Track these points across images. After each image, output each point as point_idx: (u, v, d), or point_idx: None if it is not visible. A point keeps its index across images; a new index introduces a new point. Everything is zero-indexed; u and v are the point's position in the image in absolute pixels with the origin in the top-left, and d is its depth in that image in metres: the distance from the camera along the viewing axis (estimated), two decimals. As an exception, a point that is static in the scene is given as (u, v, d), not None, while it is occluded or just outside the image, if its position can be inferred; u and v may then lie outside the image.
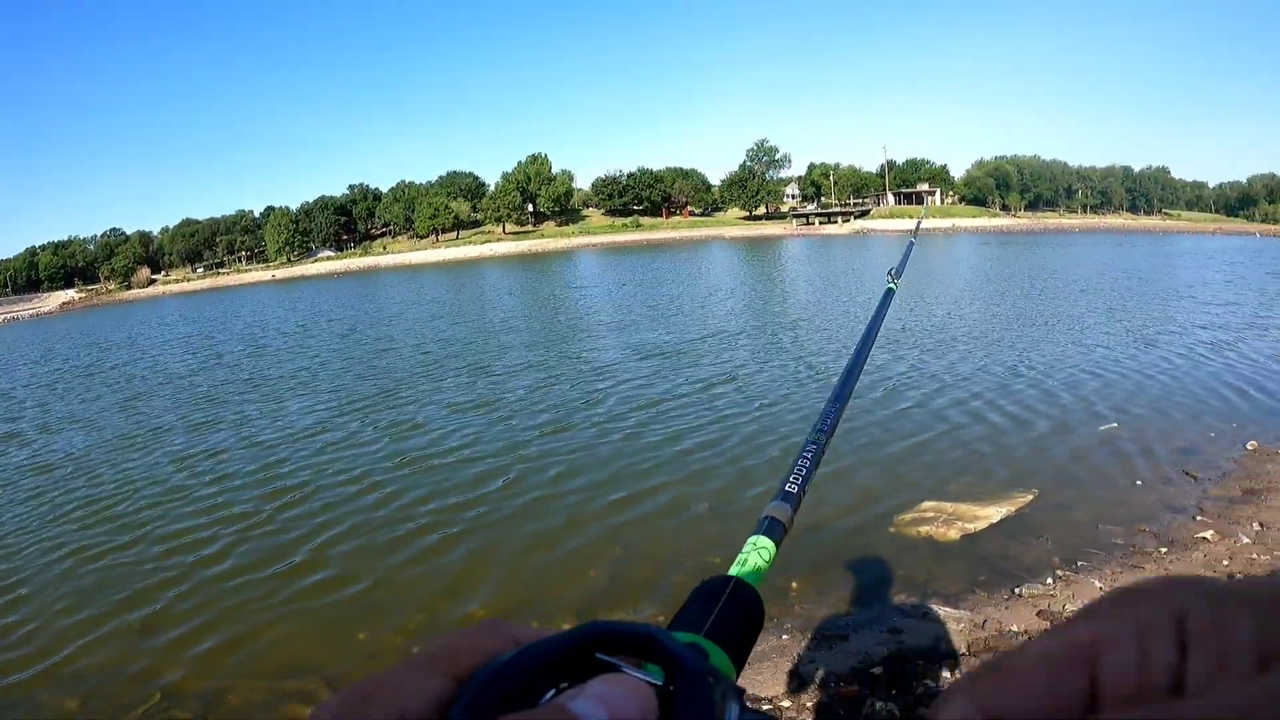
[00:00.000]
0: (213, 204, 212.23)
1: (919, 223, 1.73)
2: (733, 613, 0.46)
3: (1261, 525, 4.89)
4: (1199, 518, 5.14)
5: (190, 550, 5.94)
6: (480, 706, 0.25)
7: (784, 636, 4.00)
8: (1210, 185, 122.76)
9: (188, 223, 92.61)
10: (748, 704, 0.30)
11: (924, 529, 5.18)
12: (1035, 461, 6.48)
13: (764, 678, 3.57)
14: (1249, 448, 6.50)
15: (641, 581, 4.77)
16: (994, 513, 5.35)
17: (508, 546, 5.44)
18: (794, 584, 4.54)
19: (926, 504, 5.58)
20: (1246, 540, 4.67)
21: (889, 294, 1.44)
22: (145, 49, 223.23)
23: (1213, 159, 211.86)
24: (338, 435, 8.96)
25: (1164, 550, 4.71)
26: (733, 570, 0.55)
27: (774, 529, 0.61)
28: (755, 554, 0.57)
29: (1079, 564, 4.60)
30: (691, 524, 5.56)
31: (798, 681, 3.52)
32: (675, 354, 12.16)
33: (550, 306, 21.91)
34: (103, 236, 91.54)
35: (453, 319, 20.26)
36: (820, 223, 78.82)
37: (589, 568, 5.02)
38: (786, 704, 3.36)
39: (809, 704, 3.33)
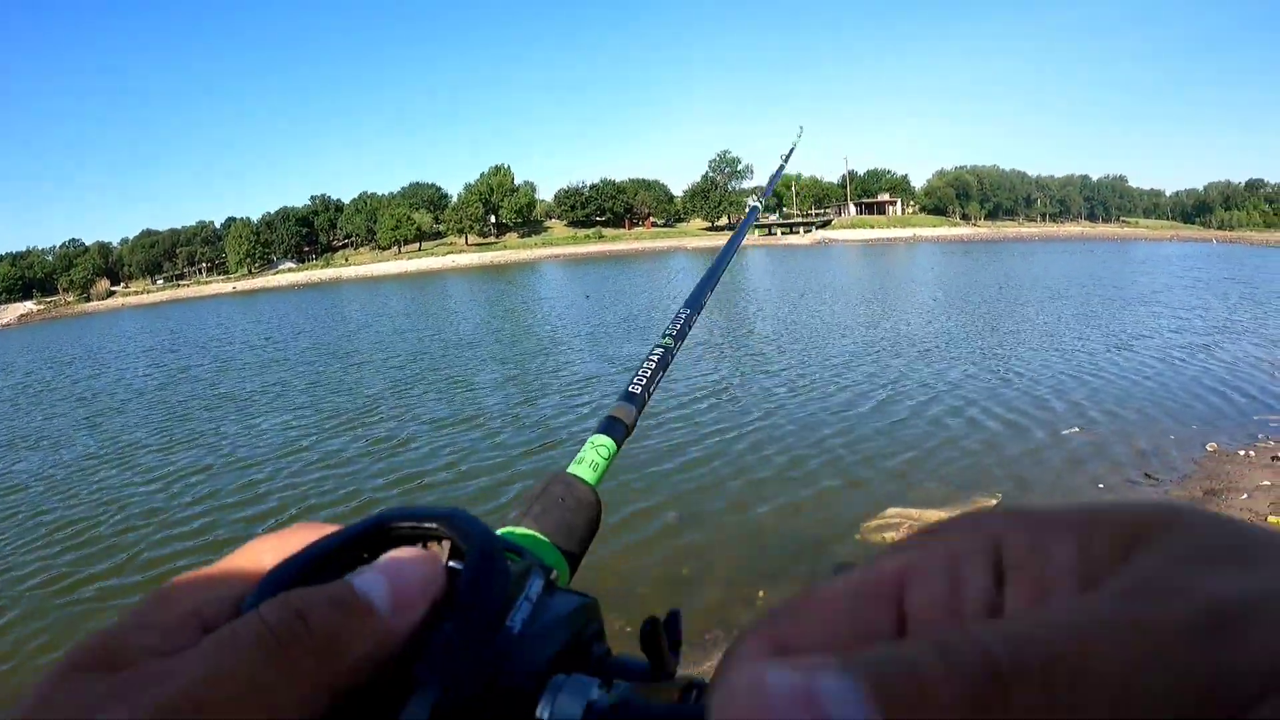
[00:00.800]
0: (173, 215, 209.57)
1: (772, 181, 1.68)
2: (566, 508, 0.45)
3: None
4: None
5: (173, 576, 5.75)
6: (269, 593, 0.24)
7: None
8: (1167, 193, 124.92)
9: (148, 234, 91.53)
10: (559, 585, 0.29)
11: (889, 535, 5.22)
12: (998, 466, 6.51)
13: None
14: (1208, 449, 6.65)
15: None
16: None
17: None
18: (761, 592, 4.56)
19: (891, 510, 5.63)
20: (1209, 541, 4.95)
21: (754, 211, 1.41)
22: (104, 56, 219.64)
23: (1169, 167, 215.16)
24: (319, 453, 8.53)
25: (1127, 553, 4.96)
26: (570, 468, 0.54)
27: (615, 428, 0.61)
28: (593, 451, 0.57)
29: (1042, 569, 4.82)
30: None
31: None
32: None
33: (520, 319, 21.60)
34: (61, 247, 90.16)
35: (423, 332, 19.84)
36: (782, 233, 79.58)
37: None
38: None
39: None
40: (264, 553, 0.28)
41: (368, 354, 16.16)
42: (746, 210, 1.41)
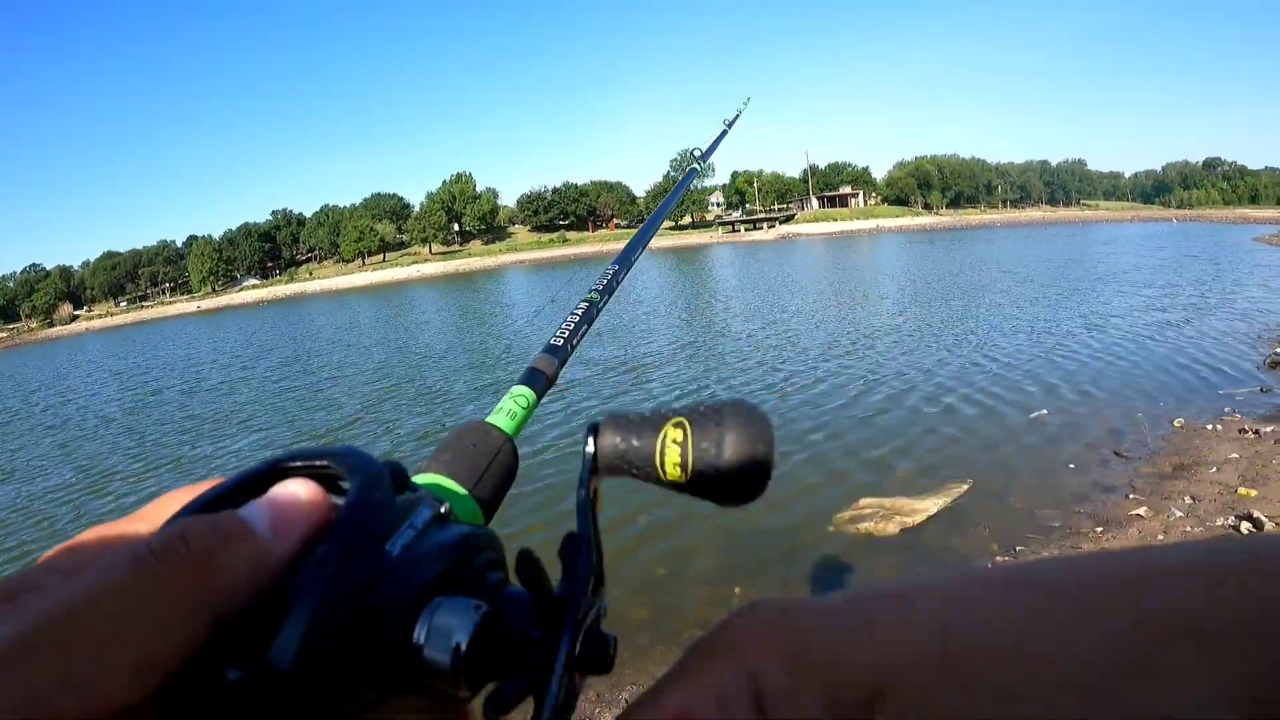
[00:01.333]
0: (134, 235, 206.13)
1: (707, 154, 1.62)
2: (478, 453, 0.46)
3: (1192, 499, 5.02)
4: (1132, 496, 5.25)
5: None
6: None
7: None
8: (1126, 175, 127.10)
9: (109, 255, 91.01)
10: (453, 518, 0.30)
11: (863, 525, 5.19)
12: (968, 452, 6.52)
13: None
14: (1176, 425, 6.68)
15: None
16: (931, 505, 5.37)
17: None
18: (736, 589, 4.54)
19: (865, 500, 5.61)
20: (1179, 514, 4.81)
21: (692, 173, 1.43)
22: (56, 75, 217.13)
23: (1128, 149, 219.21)
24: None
25: (1100, 530, 4.80)
26: (490, 418, 0.54)
27: (535, 379, 0.62)
28: (512, 401, 0.57)
29: (1018, 549, 4.64)
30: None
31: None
32: (635, 368, 11.75)
33: (492, 326, 21.35)
34: (22, 273, 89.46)
35: (394, 344, 19.51)
36: (746, 229, 79.88)
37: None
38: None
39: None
40: (170, 504, 0.28)
41: (339, 369, 15.93)
42: (686, 171, 1.40)
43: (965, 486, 5.68)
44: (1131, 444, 6.35)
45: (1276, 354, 8.80)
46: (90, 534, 0.27)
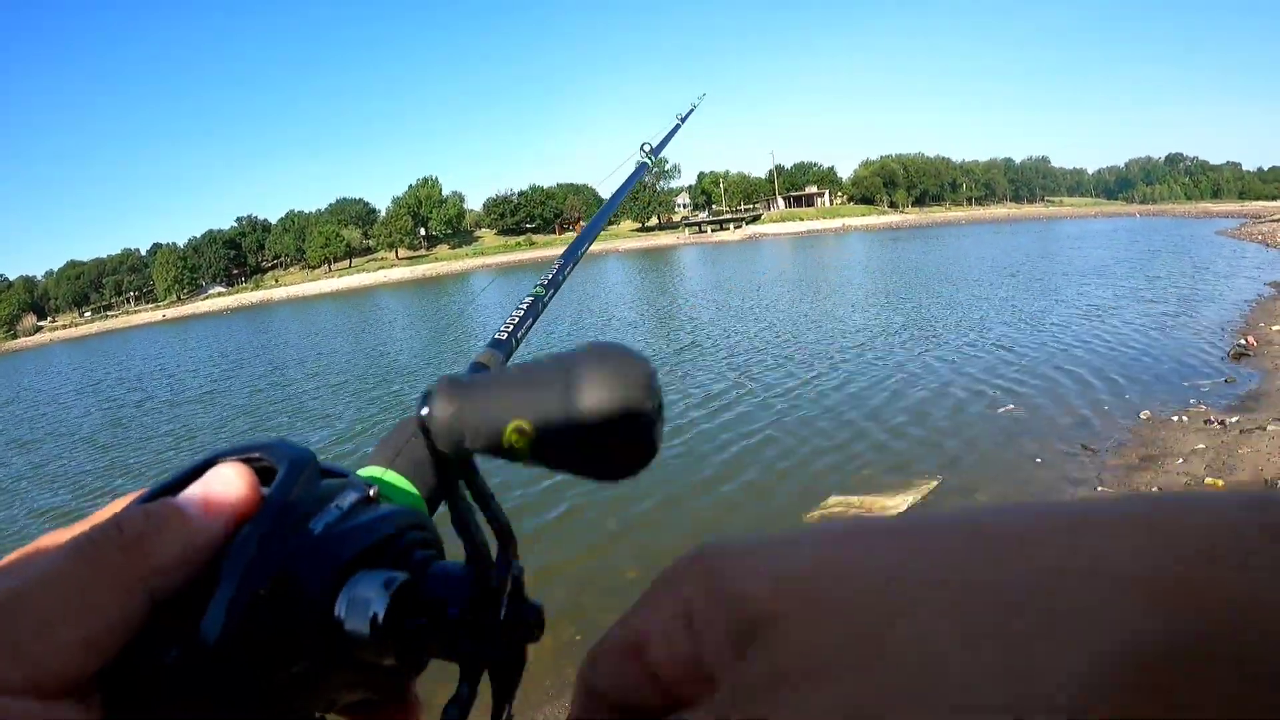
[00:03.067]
0: (97, 244, 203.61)
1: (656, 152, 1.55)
2: (418, 446, 0.46)
3: (1160, 490, 4.88)
4: (1099, 488, 5.26)
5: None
6: None
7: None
8: (1090, 171, 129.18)
9: (73, 265, 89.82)
10: (380, 500, 0.30)
11: None
12: (936, 448, 6.49)
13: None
14: (1142, 417, 6.70)
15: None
16: (900, 502, 5.34)
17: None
18: None
19: (833, 499, 5.53)
20: (1147, 506, 5.09)
21: (641, 167, 1.40)
22: (13, 80, 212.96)
23: (1091, 146, 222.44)
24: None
25: (1068, 523, 5.08)
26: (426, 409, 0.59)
27: (478, 372, 0.63)
28: None
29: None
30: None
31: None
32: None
33: (460, 329, 20.83)
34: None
35: (367, 350, 19.18)
36: (713, 230, 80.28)
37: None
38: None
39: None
40: (122, 504, 0.29)
41: (319, 376, 15.63)
42: (635, 166, 1.35)
43: (934, 483, 5.68)
44: (1098, 437, 6.37)
45: (1240, 345, 8.95)
46: (44, 539, 0.28)
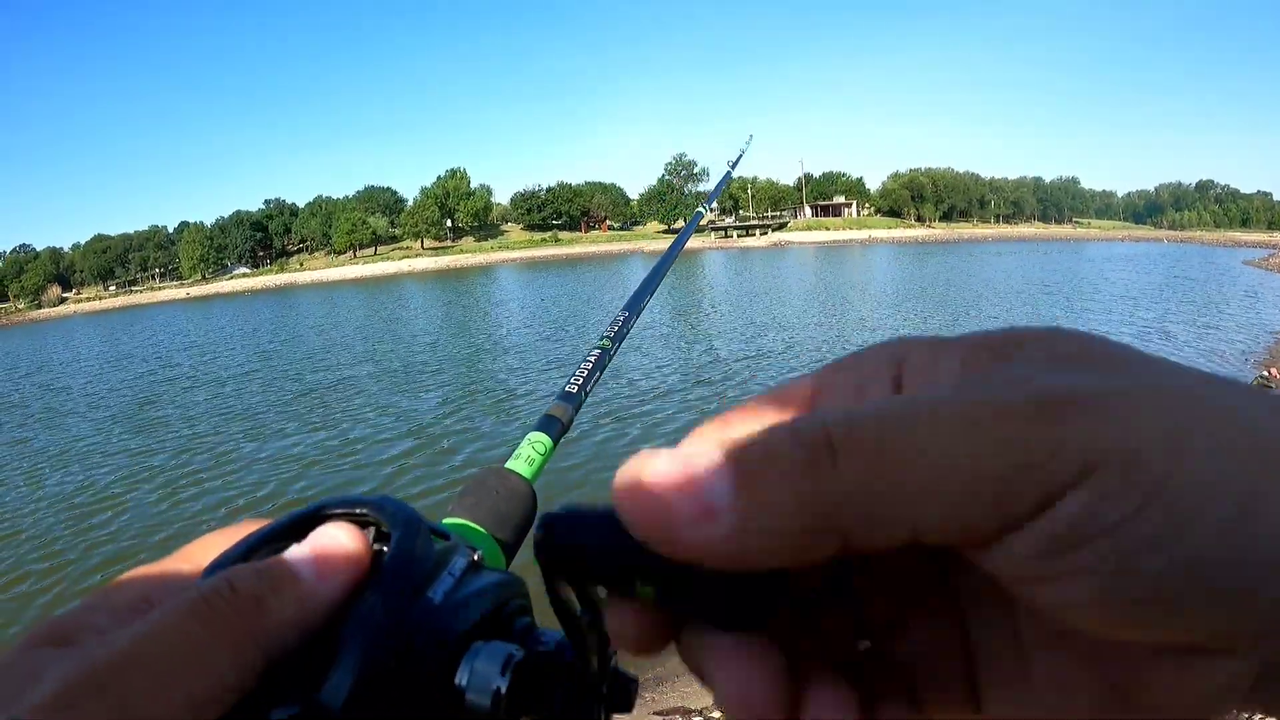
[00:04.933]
0: (125, 219, 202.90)
1: (717, 192, 1.76)
2: (500, 499, 0.47)
3: None
4: None
5: None
6: (212, 574, 0.26)
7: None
8: (1119, 194, 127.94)
9: (100, 239, 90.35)
10: (485, 566, 0.31)
11: None
12: None
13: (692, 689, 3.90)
14: None
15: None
16: None
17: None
18: None
19: None
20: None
21: (698, 216, 1.44)
22: (51, 58, 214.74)
23: (1121, 169, 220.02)
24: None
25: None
26: (508, 464, 0.57)
27: (551, 425, 0.63)
28: (529, 447, 0.60)
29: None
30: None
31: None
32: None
33: (497, 328, 20.28)
34: (11, 253, 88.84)
35: (422, 336, 18.93)
36: (738, 235, 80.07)
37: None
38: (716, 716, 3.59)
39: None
40: (210, 546, 0.29)
41: (355, 363, 15.34)
42: (693, 215, 1.43)
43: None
44: None
45: (1262, 377, 8.90)
46: (135, 573, 0.28)
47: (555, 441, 0.62)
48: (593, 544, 0.21)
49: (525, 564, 0.41)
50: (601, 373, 0.74)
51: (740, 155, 1.79)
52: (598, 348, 0.76)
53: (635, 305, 0.88)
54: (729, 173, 1.69)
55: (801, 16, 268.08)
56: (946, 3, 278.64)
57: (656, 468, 0.18)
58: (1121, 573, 0.15)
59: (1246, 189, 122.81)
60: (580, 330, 17.64)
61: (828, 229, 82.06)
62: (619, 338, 0.81)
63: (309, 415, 10.57)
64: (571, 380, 0.70)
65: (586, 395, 0.70)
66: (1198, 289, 21.15)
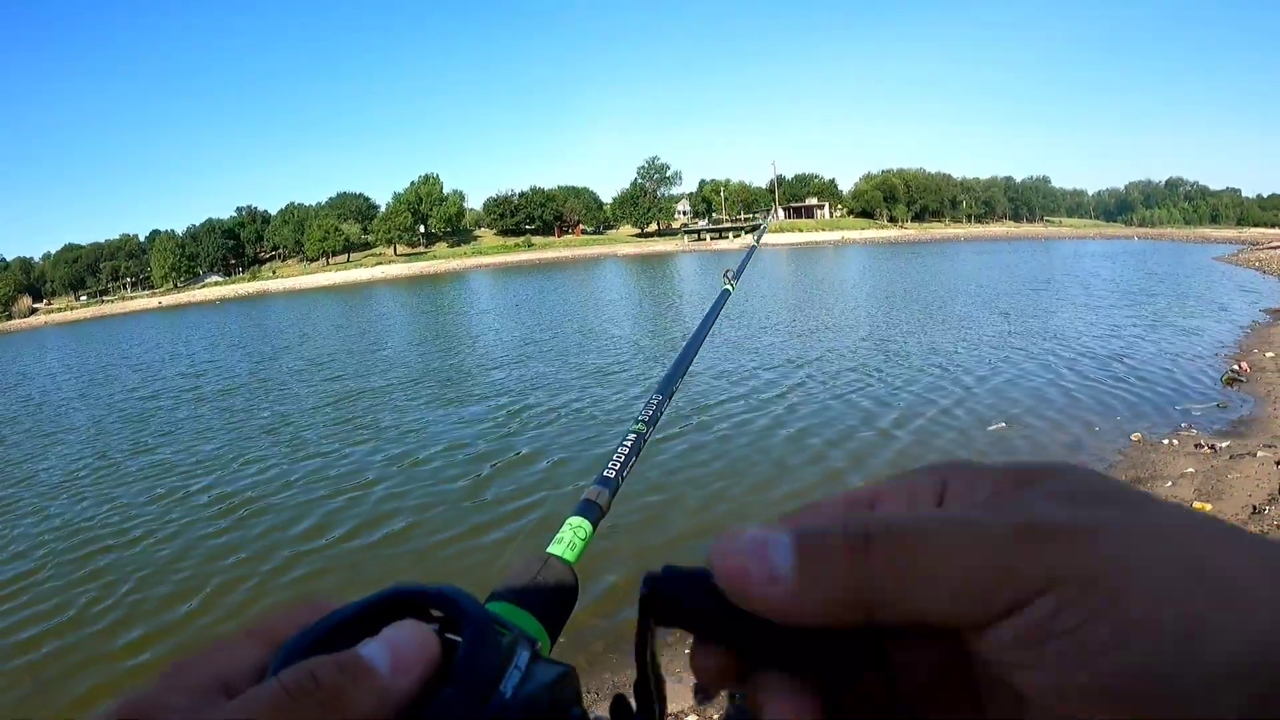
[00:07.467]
0: (96, 228, 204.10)
1: (760, 232, 1.95)
2: (545, 585, 0.49)
3: None
4: None
5: None
6: (288, 661, 0.27)
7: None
8: (1089, 192, 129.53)
9: (70, 248, 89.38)
10: (542, 655, 0.32)
11: None
12: (919, 463, 6.24)
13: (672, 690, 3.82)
14: (1133, 439, 6.71)
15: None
16: None
17: None
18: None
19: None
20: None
21: (725, 294, 1.46)
22: (18, 64, 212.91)
23: (1091, 167, 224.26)
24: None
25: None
26: (550, 548, 0.59)
27: (590, 510, 0.66)
28: (571, 532, 0.62)
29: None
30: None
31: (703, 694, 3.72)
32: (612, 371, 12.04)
33: (471, 334, 20.04)
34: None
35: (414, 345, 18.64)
36: (712, 238, 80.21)
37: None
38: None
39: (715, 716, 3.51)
40: (277, 624, 0.31)
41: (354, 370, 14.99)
42: (719, 294, 1.44)
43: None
44: (1088, 457, 6.38)
45: (1233, 371, 8.97)
46: (206, 650, 0.29)
47: (594, 525, 0.65)
48: (687, 595, 0.27)
49: (560, 648, 0.45)
50: (637, 457, 0.77)
51: (763, 230, 1.95)
52: (633, 432, 0.80)
53: (667, 388, 0.93)
54: (753, 247, 1.83)
55: (773, 20, 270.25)
56: (918, 5, 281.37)
57: (745, 539, 0.24)
58: (1077, 668, 0.20)
59: (1216, 186, 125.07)
60: (556, 339, 17.56)
61: (801, 230, 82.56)
62: (652, 421, 0.84)
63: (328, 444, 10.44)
64: (609, 466, 0.73)
65: (623, 480, 0.73)
66: (1167, 285, 21.29)
